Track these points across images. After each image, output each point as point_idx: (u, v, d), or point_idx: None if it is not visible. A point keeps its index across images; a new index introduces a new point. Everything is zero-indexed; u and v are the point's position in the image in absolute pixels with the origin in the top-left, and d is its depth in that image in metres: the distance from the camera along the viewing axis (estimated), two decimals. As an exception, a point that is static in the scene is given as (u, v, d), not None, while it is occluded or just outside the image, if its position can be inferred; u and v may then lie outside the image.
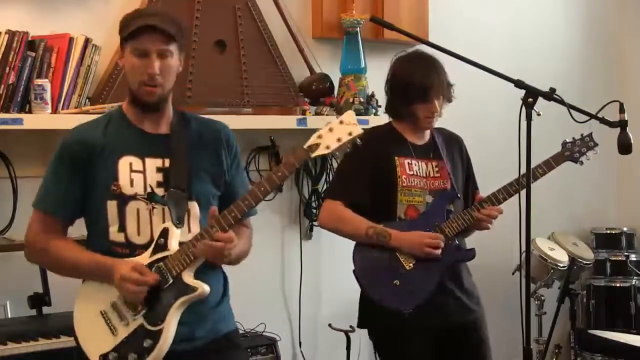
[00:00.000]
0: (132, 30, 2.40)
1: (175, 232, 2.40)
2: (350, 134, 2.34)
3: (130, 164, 2.43)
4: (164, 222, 2.42)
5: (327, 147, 2.34)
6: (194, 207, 2.47)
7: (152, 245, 2.40)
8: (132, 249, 2.42)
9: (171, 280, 2.37)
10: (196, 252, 2.36)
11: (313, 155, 2.36)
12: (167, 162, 2.46)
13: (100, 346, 2.40)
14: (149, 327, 2.36)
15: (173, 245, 2.39)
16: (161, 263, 2.38)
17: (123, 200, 2.42)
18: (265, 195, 2.40)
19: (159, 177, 2.45)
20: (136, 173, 2.43)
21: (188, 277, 2.38)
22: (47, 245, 2.46)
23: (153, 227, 2.42)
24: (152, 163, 2.45)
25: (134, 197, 2.42)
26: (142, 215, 2.42)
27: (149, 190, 2.43)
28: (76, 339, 2.48)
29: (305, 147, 2.36)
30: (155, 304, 2.37)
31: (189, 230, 2.45)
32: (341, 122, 2.35)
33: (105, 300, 2.41)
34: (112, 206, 2.42)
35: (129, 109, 2.51)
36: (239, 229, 2.52)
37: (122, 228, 2.42)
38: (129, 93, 2.48)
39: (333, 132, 2.35)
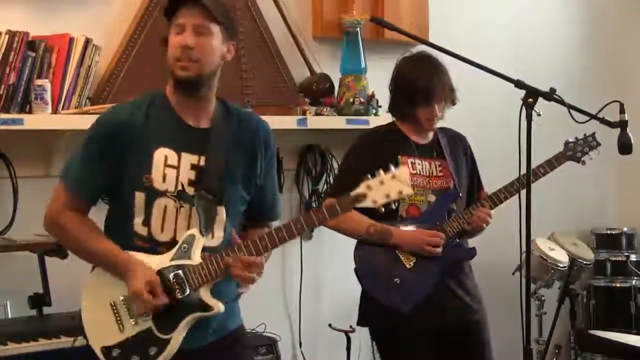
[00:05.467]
0: (169, 4, 2.35)
1: (201, 241, 2.36)
2: (400, 192, 2.28)
3: (166, 157, 2.37)
4: (189, 222, 2.37)
5: (374, 202, 2.28)
6: (222, 211, 2.41)
7: (175, 249, 2.36)
8: (154, 245, 2.38)
9: (188, 292, 2.33)
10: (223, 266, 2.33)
11: (358, 206, 2.31)
12: (202, 160, 2.40)
13: (104, 337, 2.37)
14: (157, 333, 2.33)
15: (196, 255, 2.35)
16: (180, 271, 2.33)
17: (152, 194, 2.36)
18: (300, 233, 2.37)
19: (192, 174, 2.39)
20: (170, 168, 2.37)
21: (205, 294, 2.34)
22: (69, 224, 2.40)
23: (177, 226, 2.38)
24: (187, 159, 2.39)
25: (164, 194, 2.37)
26: (169, 212, 2.37)
27: (179, 187, 2.37)
28: (82, 325, 2.43)
29: (352, 195, 2.30)
30: (167, 311, 2.33)
31: (212, 236, 2.41)
32: (393, 177, 2.28)
33: (116, 292, 2.37)
34: (139, 198, 2.36)
35: (172, 96, 2.42)
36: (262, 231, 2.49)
37: (146, 222, 2.37)
38: (171, 78, 2.41)
39: (383, 185, 2.27)
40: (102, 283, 2.41)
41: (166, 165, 2.37)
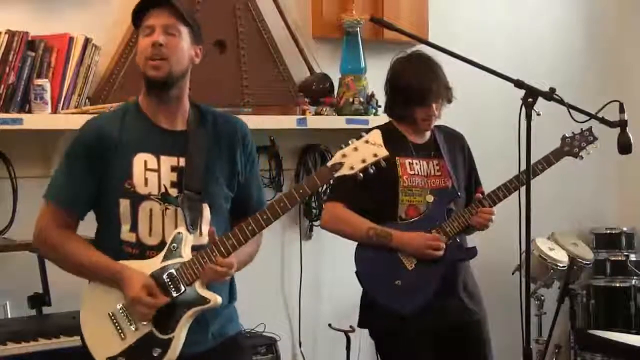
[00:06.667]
0: (138, 6, 2.38)
1: (189, 239, 2.37)
2: (375, 155, 2.31)
3: (145, 162, 2.39)
4: (176, 223, 2.39)
5: (351, 168, 2.31)
6: (206, 209, 2.43)
7: (165, 250, 2.37)
8: (143, 250, 2.39)
9: (183, 289, 2.34)
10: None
11: (336, 174, 2.33)
12: (182, 161, 2.42)
13: (107, 349, 2.37)
14: (159, 335, 2.34)
15: (187, 252, 2.36)
16: (173, 270, 2.34)
17: (136, 199, 2.38)
18: (285, 212, 2.37)
19: (173, 176, 2.41)
20: (151, 172, 2.39)
21: (201, 288, 2.36)
22: (58, 241, 2.42)
23: (165, 228, 2.39)
24: (167, 161, 2.41)
25: (147, 197, 2.38)
26: (155, 215, 2.39)
27: (162, 190, 2.39)
28: (82, 339, 2.45)
29: (328, 165, 2.33)
30: (166, 312, 2.34)
31: (200, 234, 2.42)
32: (367, 142, 2.32)
33: (113, 302, 2.38)
34: (124, 205, 2.38)
35: (144, 102, 2.46)
36: None
37: (133, 228, 2.39)
38: (143, 82, 2.43)
39: (358, 151, 2.31)
40: (97, 295, 2.42)
41: (146, 169, 2.39)
